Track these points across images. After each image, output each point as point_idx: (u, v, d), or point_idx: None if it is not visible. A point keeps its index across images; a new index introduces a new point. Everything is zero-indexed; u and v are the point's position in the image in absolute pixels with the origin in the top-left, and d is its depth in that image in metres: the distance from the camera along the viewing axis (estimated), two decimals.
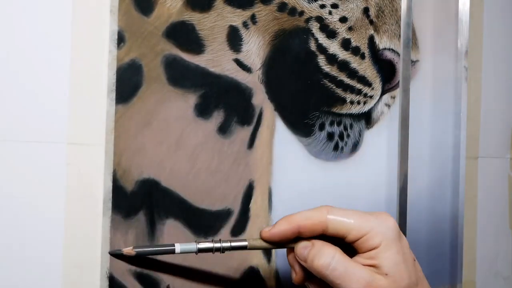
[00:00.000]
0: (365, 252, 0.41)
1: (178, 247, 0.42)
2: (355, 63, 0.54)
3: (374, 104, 0.56)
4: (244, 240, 0.43)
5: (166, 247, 0.42)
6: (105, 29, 0.42)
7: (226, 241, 0.42)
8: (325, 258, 0.41)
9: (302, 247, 0.42)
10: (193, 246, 0.42)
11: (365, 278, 0.40)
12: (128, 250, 0.42)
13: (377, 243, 0.41)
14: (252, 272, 0.49)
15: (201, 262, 0.46)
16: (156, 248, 0.42)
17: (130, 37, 0.43)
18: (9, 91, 0.38)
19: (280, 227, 0.42)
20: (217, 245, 0.42)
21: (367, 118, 0.56)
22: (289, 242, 0.43)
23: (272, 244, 0.43)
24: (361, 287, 0.40)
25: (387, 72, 0.57)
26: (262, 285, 0.50)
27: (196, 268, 0.46)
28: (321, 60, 0.53)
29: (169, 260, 0.44)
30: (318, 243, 0.42)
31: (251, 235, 0.49)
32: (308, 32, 0.52)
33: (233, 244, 0.43)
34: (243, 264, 0.48)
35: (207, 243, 0.42)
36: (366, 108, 0.56)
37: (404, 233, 0.57)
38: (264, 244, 0.43)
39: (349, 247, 0.42)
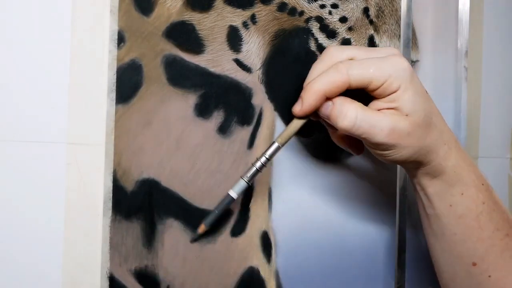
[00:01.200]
0: (386, 96, 0.43)
1: (233, 193, 0.45)
2: None
3: None
4: (273, 142, 0.46)
5: (224, 201, 0.45)
6: (105, 29, 0.42)
7: (260, 157, 0.45)
8: (349, 119, 0.43)
9: (324, 108, 0.45)
10: (242, 183, 0.45)
11: (388, 125, 0.43)
12: (202, 228, 0.45)
13: (396, 87, 0.43)
14: (252, 272, 0.49)
15: (201, 262, 0.46)
16: (217, 209, 0.45)
17: (130, 37, 0.43)
18: (9, 91, 0.38)
19: (309, 101, 0.44)
20: (258, 164, 0.45)
21: None
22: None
23: (303, 118, 0.46)
24: (385, 134, 0.43)
25: None
26: (262, 285, 0.50)
27: (196, 268, 0.46)
28: None
29: (169, 260, 0.44)
30: (338, 102, 0.44)
31: (251, 235, 0.49)
32: (308, 32, 0.52)
33: (268, 153, 0.46)
34: (243, 264, 0.48)
35: (249, 171, 0.45)
36: None
37: (404, 233, 0.57)
38: (291, 129, 0.46)
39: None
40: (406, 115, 0.43)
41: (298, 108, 0.45)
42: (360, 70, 0.43)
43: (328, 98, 0.44)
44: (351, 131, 0.43)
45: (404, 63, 0.44)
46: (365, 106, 0.44)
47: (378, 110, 0.44)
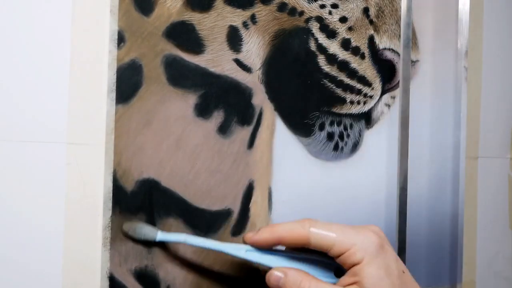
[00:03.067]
0: (349, 268, 0.41)
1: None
2: (355, 63, 0.54)
3: (374, 104, 0.56)
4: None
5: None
6: (105, 29, 0.42)
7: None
8: None
9: (274, 278, 0.42)
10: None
11: None
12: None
13: (359, 258, 0.41)
14: (252, 272, 0.49)
15: (201, 261, 0.46)
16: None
17: (130, 37, 0.43)
18: (9, 91, 0.38)
19: (262, 235, 0.42)
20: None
21: (367, 118, 0.56)
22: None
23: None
24: None
25: (387, 72, 0.57)
26: (262, 285, 0.50)
27: (196, 268, 0.46)
28: (321, 60, 0.53)
29: (169, 260, 0.44)
30: (291, 274, 0.42)
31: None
32: (308, 32, 0.52)
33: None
34: (243, 264, 0.48)
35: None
36: (366, 108, 0.56)
37: (404, 233, 0.57)
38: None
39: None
40: None
41: (250, 235, 0.43)
42: (322, 231, 0.41)
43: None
44: None
45: (373, 236, 0.41)
46: (322, 282, 0.42)
47: (345, 286, 0.41)
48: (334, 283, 0.42)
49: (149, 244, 0.43)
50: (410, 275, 0.43)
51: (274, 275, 0.42)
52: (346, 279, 0.41)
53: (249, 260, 0.43)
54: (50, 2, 0.40)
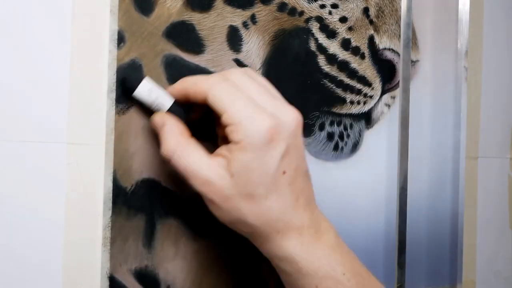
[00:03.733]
0: (229, 142, 0.38)
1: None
2: (355, 63, 0.54)
3: (374, 104, 0.56)
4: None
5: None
6: (105, 29, 0.42)
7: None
8: (167, 149, 0.39)
9: (156, 120, 0.41)
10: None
11: (206, 176, 0.38)
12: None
13: (238, 139, 0.37)
14: (252, 272, 0.49)
15: (201, 261, 0.46)
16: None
17: (130, 37, 0.43)
18: (9, 91, 0.38)
19: (175, 86, 0.41)
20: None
21: (367, 118, 0.56)
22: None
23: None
24: (199, 184, 0.38)
25: (387, 72, 0.57)
26: (262, 285, 0.50)
27: (196, 268, 0.46)
28: (321, 60, 0.53)
29: (169, 260, 0.44)
30: (168, 124, 0.40)
31: None
32: (308, 32, 0.52)
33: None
34: (243, 264, 0.48)
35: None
36: (366, 108, 0.56)
37: (404, 233, 0.57)
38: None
39: None
40: (232, 176, 0.38)
41: (170, 87, 0.42)
42: (224, 95, 0.38)
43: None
44: (171, 164, 0.39)
45: (265, 126, 0.37)
46: (192, 142, 0.39)
47: (217, 154, 0.39)
48: None
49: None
50: (292, 177, 0.39)
51: (154, 121, 0.41)
52: (223, 150, 0.39)
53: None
54: (50, 2, 0.40)
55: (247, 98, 0.39)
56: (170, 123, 0.40)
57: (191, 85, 0.40)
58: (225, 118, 0.38)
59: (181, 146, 0.39)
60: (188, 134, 0.41)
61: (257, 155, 0.38)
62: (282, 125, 0.39)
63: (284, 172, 0.39)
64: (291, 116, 0.39)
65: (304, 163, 0.41)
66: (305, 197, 0.41)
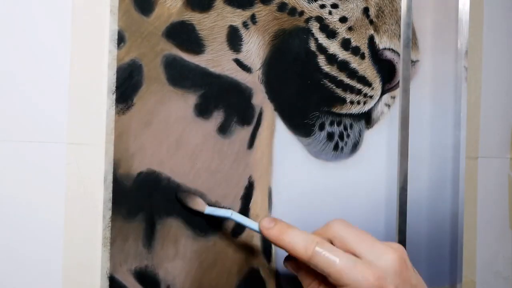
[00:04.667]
0: None
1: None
2: (355, 63, 0.54)
3: (374, 104, 0.56)
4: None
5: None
6: (105, 29, 0.42)
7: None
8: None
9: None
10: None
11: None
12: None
13: None
14: (252, 273, 0.49)
15: (201, 262, 0.46)
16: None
17: (130, 37, 0.43)
18: (9, 91, 0.38)
19: (270, 235, 0.43)
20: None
21: (367, 118, 0.56)
22: None
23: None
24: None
25: (387, 72, 0.57)
26: (262, 285, 0.50)
27: (196, 268, 0.46)
28: (321, 60, 0.53)
29: (169, 260, 0.44)
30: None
31: (251, 235, 0.49)
32: (308, 32, 0.52)
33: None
34: (243, 264, 0.48)
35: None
36: (366, 108, 0.56)
37: (404, 233, 0.57)
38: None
39: None
40: None
41: (266, 225, 0.44)
42: (324, 260, 0.41)
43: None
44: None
45: (369, 283, 0.40)
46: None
47: None
48: None
49: (199, 214, 0.45)
50: None
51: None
52: None
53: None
54: (50, 2, 0.40)
55: (346, 257, 0.41)
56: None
57: (288, 245, 0.42)
58: (332, 281, 0.41)
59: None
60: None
61: None
62: (385, 271, 0.41)
63: None
64: (391, 259, 0.42)
65: (422, 283, 0.44)
66: None
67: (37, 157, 0.39)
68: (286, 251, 0.43)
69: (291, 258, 0.45)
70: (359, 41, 0.55)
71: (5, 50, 0.38)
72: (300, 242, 0.42)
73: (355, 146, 0.56)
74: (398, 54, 0.58)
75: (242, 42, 0.48)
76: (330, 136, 0.53)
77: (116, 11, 0.42)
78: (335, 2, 0.53)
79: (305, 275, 0.44)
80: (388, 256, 0.42)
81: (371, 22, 0.56)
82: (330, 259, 0.41)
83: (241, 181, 0.48)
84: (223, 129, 0.47)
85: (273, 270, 0.50)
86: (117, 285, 0.42)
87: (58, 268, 0.40)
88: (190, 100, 0.45)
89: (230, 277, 0.48)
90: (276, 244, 0.43)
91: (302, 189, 0.52)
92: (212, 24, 0.46)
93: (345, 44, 0.54)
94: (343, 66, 0.54)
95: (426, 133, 0.62)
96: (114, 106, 0.42)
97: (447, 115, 0.63)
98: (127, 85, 0.42)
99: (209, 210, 0.45)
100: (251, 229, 0.45)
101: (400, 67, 0.57)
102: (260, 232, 0.44)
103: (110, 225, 0.42)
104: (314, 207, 0.53)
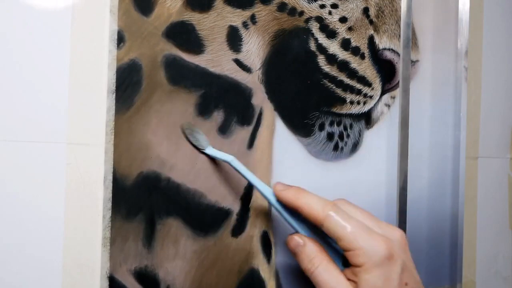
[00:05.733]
0: (352, 266, 0.43)
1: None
2: (355, 63, 0.54)
3: (374, 104, 0.56)
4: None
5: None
6: (105, 29, 0.42)
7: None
8: (308, 265, 0.44)
9: (294, 242, 0.45)
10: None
11: None
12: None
13: (361, 262, 0.42)
14: (252, 272, 0.49)
15: (201, 262, 0.46)
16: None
17: (130, 37, 0.43)
18: (9, 91, 0.38)
19: (287, 195, 0.45)
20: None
21: (367, 118, 0.56)
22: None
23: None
24: None
25: (387, 72, 0.57)
26: (262, 285, 0.50)
27: (196, 268, 0.46)
28: (321, 60, 0.53)
29: (169, 260, 0.44)
30: (309, 245, 0.44)
31: (251, 235, 0.49)
32: (308, 32, 0.52)
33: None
34: (243, 264, 0.48)
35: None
36: (366, 108, 0.56)
37: (404, 232, 0.57)
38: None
39: None
40: None
41: (280, 187, 0.45)
42: (338, 222, 0.43)
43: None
44: (308, 274, 0.44)
45: (382, 246, 0.42)
46: (333, 264, 0.44)
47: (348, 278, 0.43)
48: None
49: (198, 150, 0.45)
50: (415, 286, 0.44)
51: (295, 240, 0.45)
52: (348, 273, 0.43)
53: (274, 206, 0.46)
54: (50, 2, 0.40)
55: (359, 224, 0.43)
56: (311, 242, 0.45)
57: (305, 205, 0.44)
58: (343, 245, 0.43)
59: (324, 261, 0.43)
60: (327, 254, 0.45)
61: (381, 273, 0.42)
62: (395, 243, 0.43)
63: (406, 284, 0.43)
64: (398, 235, 0.44)
65: (417, 274, 0.45)
66: None
67: (37, 157, 0.39)
68: (301, 212, 0.44)
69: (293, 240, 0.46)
70: (359, 41, 0.55)
71: (5, 50, 0.38)
72: (317, 203, 0.44)
73: (355, 146, 0.56)
74: (398, 54, 0.58)
75: (242, 42, 0.48)
76: (330, 136, 0.53)
77: (116, 11, 0.42)
78: (335, 2, 0.53)
79: (305, 255, 0.45)
80: (395, 232, 0.44)
81: (371, 22, 0.56)
82: (344, 223, 0.42)
83: (241, 181, 0.48)
84: (223, 129, 0.47)
85: (273, 270, 0.50)
86: (116, 285, 0.42)
87: (57, 268, 0.40)
88: (190, 100, 0.45)
89: (230, 277, 0.48)
90: (291, 205, 0.44)
91: None
92: (212, 24, 0.46)
93: (345, 44, 0.54)
94: (343, 66, 0.54)
95: (426, 133, 0.62)
96: (114, 106, 0.42)
97: (447, 115, 0.63)
98: (127, 85, 0.42)
99: (210, 150, 0.45)
100: (247, 179, 0.45)
101: (400, 67, 0.57)
102: (261, 192, 0.45)
103: (110, 225, 0.42)
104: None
